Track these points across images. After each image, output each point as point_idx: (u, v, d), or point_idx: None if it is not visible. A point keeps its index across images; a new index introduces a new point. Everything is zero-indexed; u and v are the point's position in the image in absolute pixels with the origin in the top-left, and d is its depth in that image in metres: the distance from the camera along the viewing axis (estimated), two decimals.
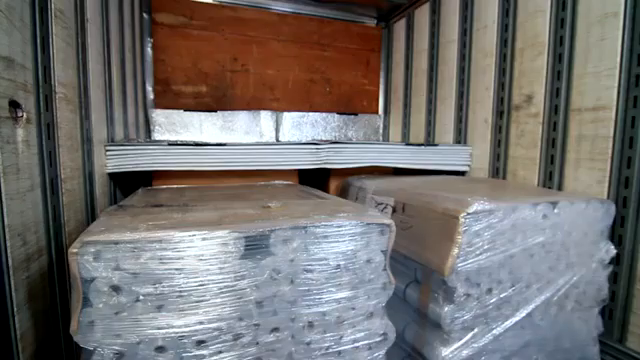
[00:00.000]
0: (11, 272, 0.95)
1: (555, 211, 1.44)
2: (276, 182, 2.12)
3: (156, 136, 2.65)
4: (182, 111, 2.70)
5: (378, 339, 1.24)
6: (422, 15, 2.84)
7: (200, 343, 1.02)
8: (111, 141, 1.79)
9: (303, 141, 2.53)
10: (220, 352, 1.04)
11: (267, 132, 2.89)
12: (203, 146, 1.83)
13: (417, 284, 1.50)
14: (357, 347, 1.22)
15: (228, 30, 2.83)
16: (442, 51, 2.62)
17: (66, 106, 1.28)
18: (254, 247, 1.05)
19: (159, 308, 0.98)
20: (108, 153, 1.70)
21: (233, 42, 2.84)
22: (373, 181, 1.99)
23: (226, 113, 2.80)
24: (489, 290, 1.37)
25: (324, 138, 3.07)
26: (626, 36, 1.49)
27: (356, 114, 3.16)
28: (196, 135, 2.72)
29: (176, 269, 0.98)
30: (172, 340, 0.99)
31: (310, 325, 1.15)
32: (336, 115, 3.12)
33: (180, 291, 0.99)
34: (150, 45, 2.66)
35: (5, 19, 0.94)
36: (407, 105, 3.04)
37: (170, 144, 1.83)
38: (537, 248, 1.43)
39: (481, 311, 1.35)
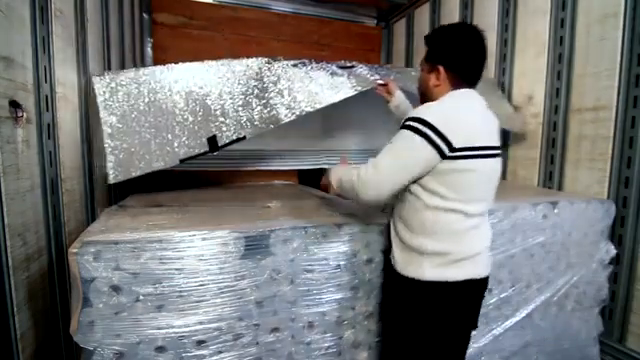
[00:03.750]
0: (11, 272, 0.95)
1: (555, 211, 1.44)
2: (276, 182, 2.12)
3: None
4: None
5: (378, 339, 1.25)
6: (422, 15, 2.84)
7: (200, 343, 1.02)
8: None
9: None
10: (220, 352, 1.04)
11: None
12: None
13: None
14: (357, 347, 1.22)
15: (228, 30, 2.83)
16: None
17: (66, 106, 1.28)
18: (254, 247, 1.05)
19: (159, 308, 0.98)
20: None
21: (233, 42, 2.84)
22: None
23: None
24: (489, 290, 1.37)
25: None
26: (626, 36, 1.49)
27: None
28: None
29: (176, 269, 0.98)
30: (172, 340, 0.99)
31: (310, 325, 1.15)
32: None
33: (180, 291, 0.99)
34: (150, 45, 2.66)
35: (5, 19, 0.94)
36: None
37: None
38: (537, 248, 1.43)
39: (481, 311, 1.35)
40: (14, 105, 0.97)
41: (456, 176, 0.95)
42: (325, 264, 1.13)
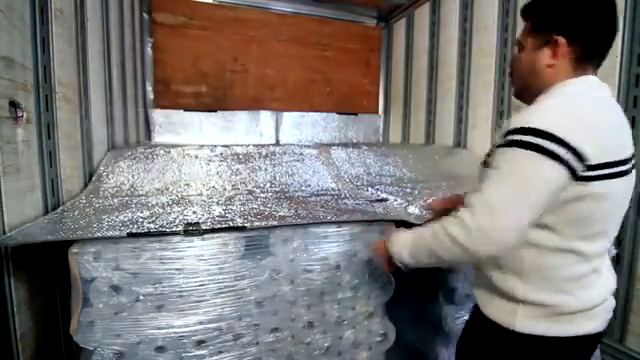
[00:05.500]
0: (11, 272, 0.95)
1: None
2: None
3: (156, 137, 2.65)
4: (182, 111, 2.70)
5: (378, 339, 1.25)
6: (422, 15, 2.84)
7: (200, 343, 1.02)
8: (112, 144, 1.79)
9: (303, 141, 2.53)
10: (220, 352, 1.04)
11: (267, 132, 2.89)
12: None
13: None
14: (357, 347, 1.22)
15: (228, 30, 2.82)
16: (442, 51, 2.62)
17: (66, 106, 1.28)
18: (254, 247, 1.05)
19: (159, 308, 0.98)
20: None
21: (233, 42, 2.84)
22: None
23: (226, 113, 2.80)
24: None
25: (324, 138, 3.07)
26: (626, 36, 1.49)
27: (356, 114, 3.16)
28: (196, 135, 2.72)
29: (176, 269, 0.98)
30: (172, 340, 0.99)
31: (310, 325, 1.15)
32: (336, 115, 3.13)
33: (180, 291, 0.99)
34: (150, 45, 2.66)
35: (5, 19, 0.94)
36: (407, 105, 3.04)
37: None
38: None
39: None
40: (14, 105, 0.97)
41: (585, 205, 0.67)
42: (325, 264, 1.13)
